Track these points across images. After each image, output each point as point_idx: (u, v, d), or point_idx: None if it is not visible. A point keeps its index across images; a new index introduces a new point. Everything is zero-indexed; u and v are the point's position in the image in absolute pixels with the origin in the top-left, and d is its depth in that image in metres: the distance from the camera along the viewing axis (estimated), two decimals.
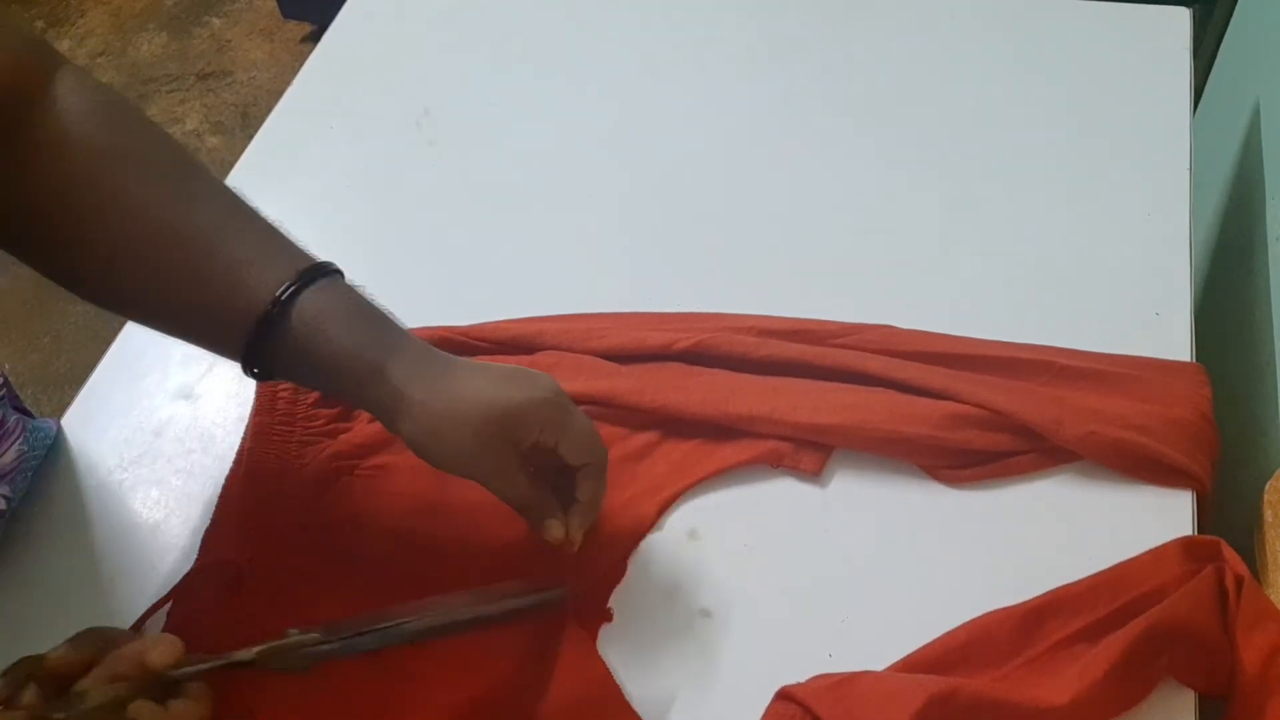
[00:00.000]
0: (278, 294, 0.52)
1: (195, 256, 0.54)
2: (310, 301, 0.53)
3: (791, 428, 0.64)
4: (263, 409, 0.68)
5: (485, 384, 0.54)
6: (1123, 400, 0.63)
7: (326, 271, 0.55)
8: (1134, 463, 0.61)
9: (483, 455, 0.54)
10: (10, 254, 0.55)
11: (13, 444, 0.65)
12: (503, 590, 0.58)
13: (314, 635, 0.53)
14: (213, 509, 0.64)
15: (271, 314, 0.52)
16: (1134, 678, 0.52)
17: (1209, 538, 0.56)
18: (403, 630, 0.55)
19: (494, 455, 0.54)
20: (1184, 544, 0.56)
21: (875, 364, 0.65)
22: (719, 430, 0.65)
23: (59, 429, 0.70)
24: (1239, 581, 0.54)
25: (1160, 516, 0.60)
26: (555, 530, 0.56)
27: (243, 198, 0.57)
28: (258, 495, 0.64)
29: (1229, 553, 0.55)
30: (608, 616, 0.59)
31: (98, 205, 0.53)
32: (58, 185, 0.52)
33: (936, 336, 0.68)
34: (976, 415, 0.63)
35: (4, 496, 0.64)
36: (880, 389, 0.65)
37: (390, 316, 0.56)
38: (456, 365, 0.55)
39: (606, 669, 0.56)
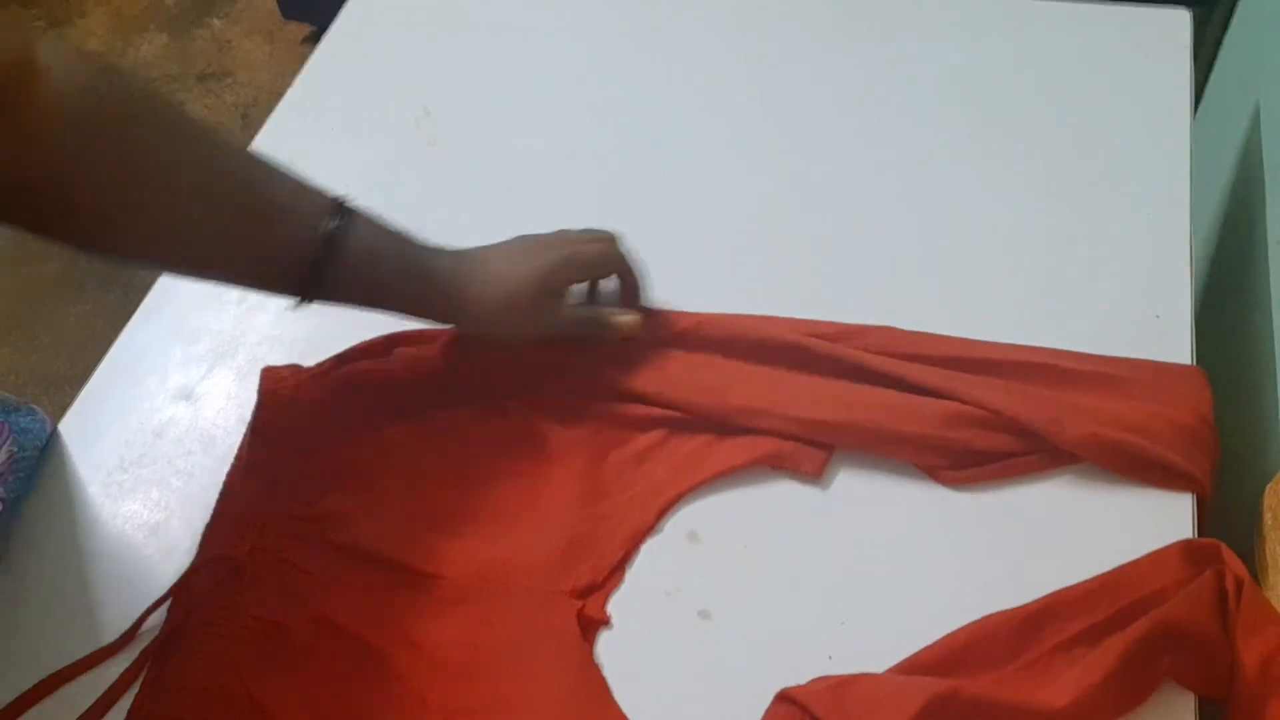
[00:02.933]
0: (329, 226, 0.58)
1: (238, 203, 0.58)
2: (357, 228, 0.60)
3: (790, 422, 0.63)
4: (265, 403, 0.68)
5: (518, 265, 0.64)
6: (1123, 402, 0.63)
7: (351, 207, 0.60)
8: (1134, 464, 0.61)
9: (539, 319, 0.65)
10: (31, 233, 0.54)
11: (3, 444, 0.65)
12: None
13: None
14: (213, 509, 0.64)
15: (330, 240, 0.58)
16: (1134, 680, 0.52)
17: (1209, 540, 0.56)
18: None
19: (548, 313, 0.65)
20: (1184, 547, 0.56)
21: (876, 362, 0.65)
22: (718, 429, 0.65)
23: (55, 429, 0.70)
24: (1239, 584, 0.54)
25: (1160, 519, 0.60)
26: (627, 321, 0.67)
27: (241, 145, 0.60)
28: (257, 490, 0.64)
29: (1229, 555, 0.55)
30: (605, 622, 0.59)
31: (127, 170, 0.54)
32: (73, 154, 0.52)
33: (938, 338, 0.68)
34: (977, 415, 0.63)
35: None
36: (880, 388, 0.65)
37: (409, 234, 0.63)
38: (485, 257, 0.64)
39: (602, 678, 0.56)
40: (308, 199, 0.60)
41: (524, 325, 0.65)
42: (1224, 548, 0.56)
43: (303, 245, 0.58)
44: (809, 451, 0.63)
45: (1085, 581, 0.55)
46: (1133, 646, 0.51)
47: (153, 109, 0.55)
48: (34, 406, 0.69)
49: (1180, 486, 0.61)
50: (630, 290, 0.69)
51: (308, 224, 0.58)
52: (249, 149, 0.60)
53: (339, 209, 0.60)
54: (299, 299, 0.60)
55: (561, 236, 0.67)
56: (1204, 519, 0.61)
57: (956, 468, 0.62)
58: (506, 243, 0.66)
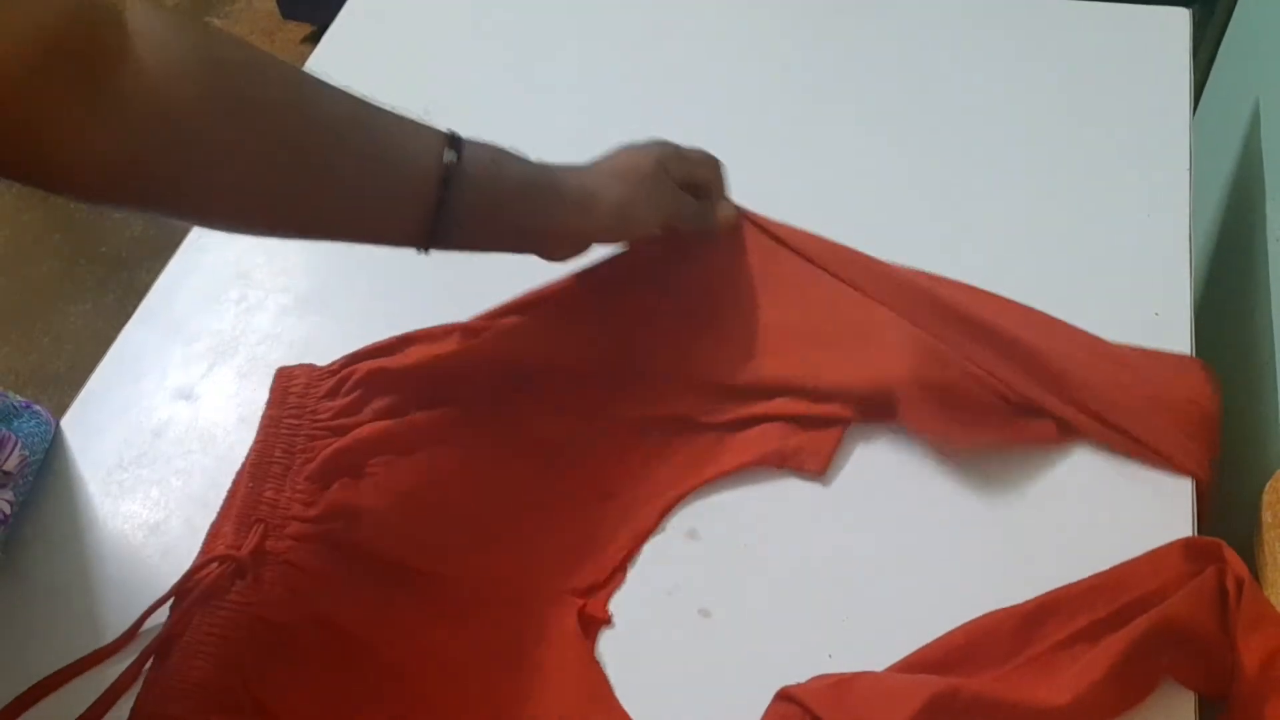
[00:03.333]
0: (447, 158, 0.57)
1: (354, 144, 0.56)
2: (473, 160, 0.58)
3: (819, 394, 0.65)
4: (275, 402, 0.68)
5: (634, 160, 0.65)
6: (1122, 383, 0.64)
7: (462, 138, 0.59)
8: (1129, 441, 0.61)
9: (662, 200, 0.66)
10: (141, 209, 0.52)
11: (14, 450, 0.65)
12: None
13: None
14: (213, 509, 0.64)
15: (449, 180, 0.57)
16: (1134, 678, 0.52)
17: (1210, 539, 0.56)
18: None
19: (670, 200, 0.66)
20: (1185, 545, 0.56)
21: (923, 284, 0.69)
22: (724, 429, 0.65)
23: (57, 427, 0.70)
24: (1239, 583, 0.54)
25: (1161, 508, 0.60)
26: (728, 209, 0.71)
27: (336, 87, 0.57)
28: (261, 489, 0.64)
29: (1230, 554, 0.55)
30: (607, 621, 0.59)
31: (235, 137, 0.51)
32: (177, 125, 0.49)
33: (955, 285, 0.70)
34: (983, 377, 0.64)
35: (8, 502, 0.64)
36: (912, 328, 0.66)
37: (515, 154, 0.62)
38: (598, 163, 0.66)
39: (604, 677, 0.56)
40: (417, 137, 0.58)
41: (647, 217, 0.65)
42: (1225, 546, 0.56)
43: (424, 185, 0.56)
44: (812, 450, 0.64)
45: (1086, 579, 0.55)
46: (1133, 644, 0.51)
47: (250, 66, 0.53)
48: (36, 406, 0.69)
49: (1179, 465, 0.61)
50: (716, 195, 0.71)
51: (424, 163, 0.56)
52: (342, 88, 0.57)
53: (451, 141, 0.58)
54: (425, 245, 0.58)
55: (654, 143, 0.68)
56: (1204, 508, 0.61)
57: (970, 423, 0.62)
58: (609, 155, 0.67)
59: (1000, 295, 0.69)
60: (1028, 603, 0.55)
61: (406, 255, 0.78)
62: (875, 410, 0.64)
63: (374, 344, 0.70)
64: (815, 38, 0.91)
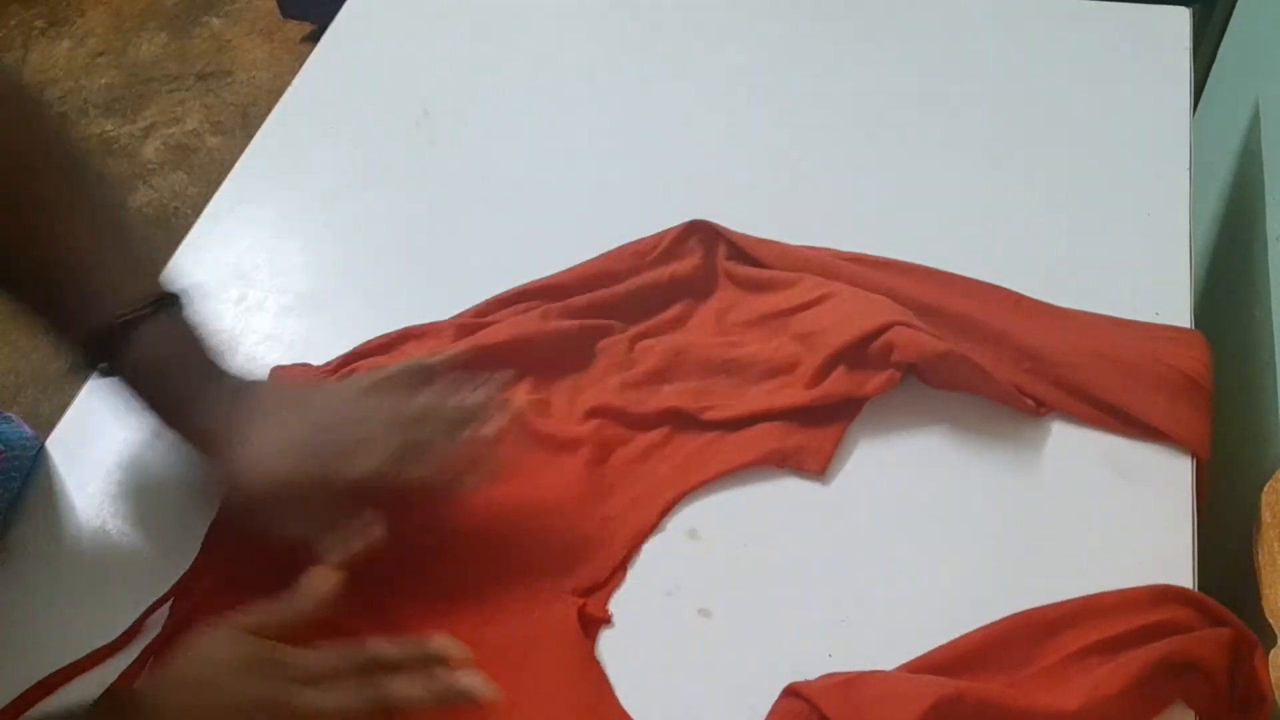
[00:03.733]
0: (128, 314, 0.57)
1: (53, 274, 0.58)
2: (153, 330, 0.57)
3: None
4: None
5: (284, 459, 0.56)
6: (1118, 345, 0.65)
7: (167, 304, 0.58)
8: (1135, 408, 0.62)
9: (301, 521, 0.57)
10: None
11: None
12: None
13: None
14: (212, 508, 0.64)
15: (104, 351, 0.57)
16: (1147, 698, 0.52)
17: (1252, 636, 0.55)
18: None
19: (309, 516, 0.57)
20: (1201, 597, 0.56)
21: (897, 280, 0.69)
22: (724, 427, 0.65)
23: (42, 447, 0.70)
24: (1251, 648, 0.54)
25: (1160, 499, 0.60)
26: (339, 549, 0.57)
27: (115, 206, 0.60)
28: None
29: (1260, 661, 0.55)
30: (607, 620, 0.59)
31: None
32: None
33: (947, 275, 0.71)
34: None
35: None
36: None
37: (209, 365, 0.59)
38: (269, 423, 0.57)
39: (604, 675, 0.56)
40: (133, 282, 0.58)
41: (281, 524, 0.57)
42: (1260, 651, 0.55)
43: (96, 320, 0.57)
44: (812, 449, 0.64)
45: (1105, 594, 0.55)
46: (1152, 665, 0.52)
47: (32, 140, 0.56)
48: (9, 415, 0.70)
49: (1175, 432, 0.61)
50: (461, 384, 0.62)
51: (114, 304, 0.57)
52: (125, 205, 0.60)
53: (158, 301, 0.58)
54: (98, 369, 0.59)
55: (345, 437, 0.57)
56: (1203, 492, 0.61)
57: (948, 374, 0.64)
58: (299, 411, 0.59)
59: (976, 279, 0.71)
60: (1044, 611, 0.55)
61: (405, 256, 0.79)
62: (872, 366, 0.65)
63: (370, 342, 0.70)
64: (816, 38, 0.91)
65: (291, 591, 0.54)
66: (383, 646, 0.53)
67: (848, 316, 0.65)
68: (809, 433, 0.64)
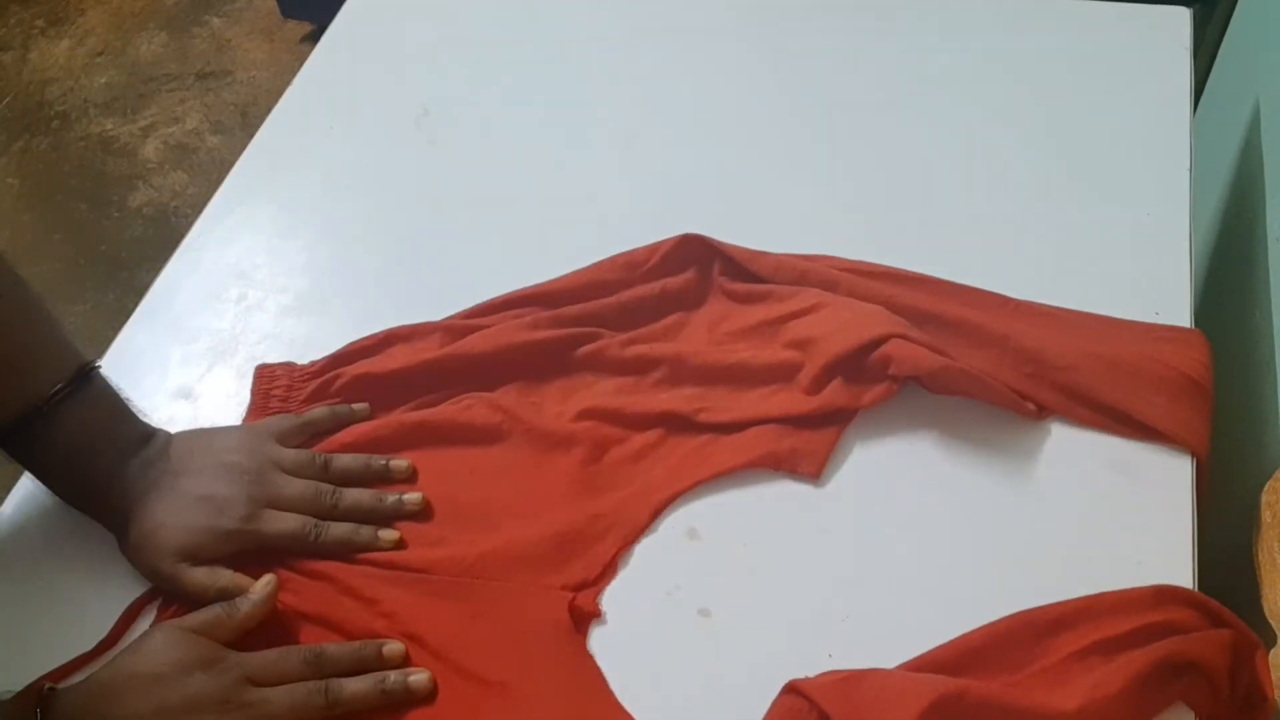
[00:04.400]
0: (52, 393, 0.59)
1: None
2: (74, 409, 0.60)
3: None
4: (258, 405, 0.68)
5: (168, 526, 0.60)
6: (1118, 346, 0.65)
7: (81, 378, 0.60)
8: (1134, 409, 0.62)
9: (168, 582, 0.59)
10: None
11: None
12: None
13: None
14: None
15: (26, 423, 0.59)
16: (1147, 698, 0.52)
17: (1254, 637, 0.55)
18: None
19: (171, 580, 0.59)
20: (1204, 599, 0.56)
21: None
22: (720, 429, 0.65)
23: None
24: (1252, 649, 0.54)
25: (1160, 498, 0.60)
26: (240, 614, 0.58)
27: (20, 287, 0.61)
28: None
29: (1261, 661, 0.55)
30: (597, 615, 0.59)
31: None
32: None
33: (937, 282, 0.70)
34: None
35: None
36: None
37: (118, 434, 0.62)
38: (151, 506, 0.60)
39: (597, 668, 0.57)
40: (47, 360, 0.60)
41: (159, 581, 0.60)
42: (1262, 650, 0.55)
43: (17, 404, 0.59)
44: (807, 452, 0.64)
45: (1105, 594, 0.55)
46: (1153, 665, 0.52)
47: None
48: None
49: (1179, 444, 0.61)
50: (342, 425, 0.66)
51: (28, 392, 0.59)
52: (18, 286, 0.61)
53: (76, 377, 0.60)
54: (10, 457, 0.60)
55: (228, 491, 0.61)
56: (1202, 492, 0.61)
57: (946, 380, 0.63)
58: (193, 477, 0.61)
59: (973, 287, 0.70)
60: (1045, 610, 0.55)
61: (404, 256, 0.79)
62: (869, 378, 0.65)
63: (355, 343, 0.70)
64: (815, 39, 0.91)
65: (238, 598, 0.57)
66: (330, 647, 0.56)
67: (843, 325, 0.65)
68: (804, 436, 0.64)
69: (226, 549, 0.59)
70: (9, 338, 0.60)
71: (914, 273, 0.71)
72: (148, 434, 0.63)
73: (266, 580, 0.58)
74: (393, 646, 0.56)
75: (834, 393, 0.64)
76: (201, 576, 0.58)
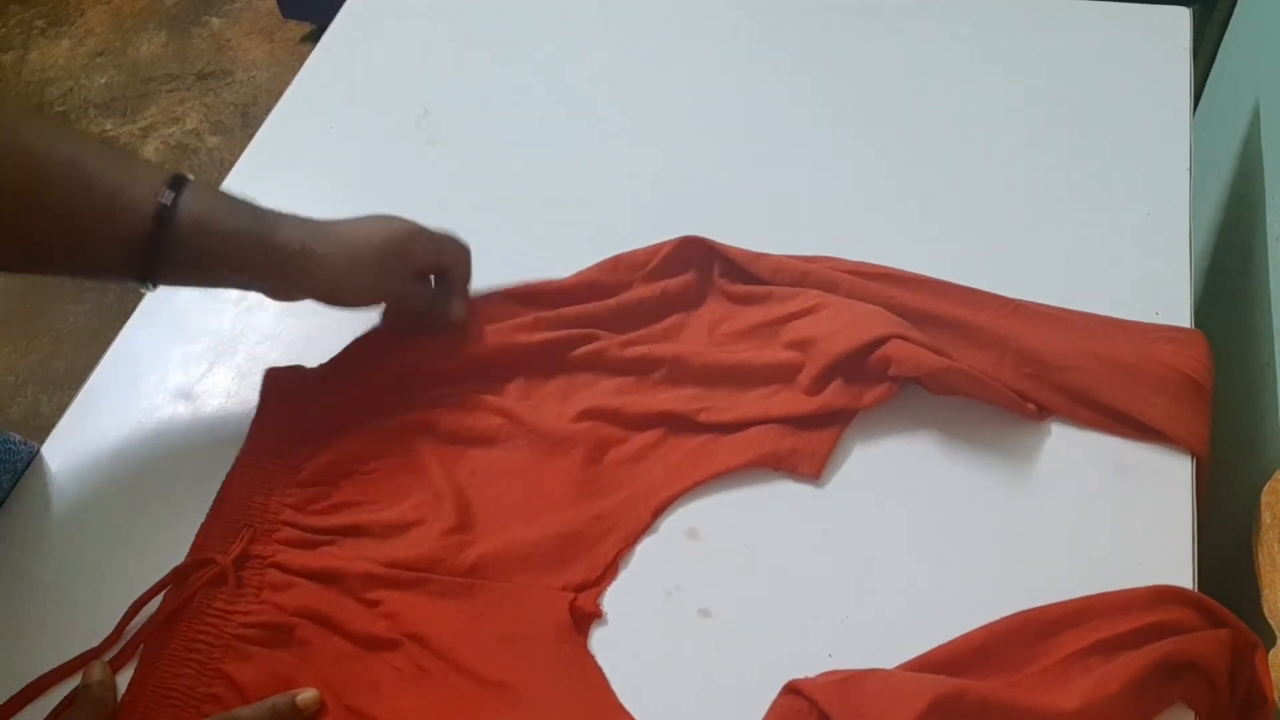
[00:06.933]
0: (161, 201, 0.58)
1: (65, 187, 0.57)
2: (189, 201, 0.59)
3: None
4: (267, 405, 0.68)
5: (369, 228, 0.65)
6: (1118, 346, 0.65)
7: (184, 179, 0.60)
8: (1134, 409, 0.62)
9: (383, 285, 0.66)
10: None
11: None
12: None
13: None
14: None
15: (162, 218, 0.58)
16: (1147, 699, 0.52)
17: (1254, 637, 0.55)
18: None
19: (392, 279, 0.66)
20: (1201, 598, 0.56)
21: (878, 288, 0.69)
22: (720, 430, 0.65)
23: (37, 453, 0.70)
24: (1252, 649, 0.54)
25: (1159, 498, 0.60)
26: (459, 309, 0.69)
27: (78, 132, 0.61)
28: (251, 493, 0.64)
29: (1261, 661, 0.55)
30: (598, 616, 0.59)
31: None
32: None
33: (939, 284, 0.70)
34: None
35: None
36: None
37: (249, 204, 0.63)
38: (330, 224, 0.64)
39: (599, 668, 0.57)
40: (139, 176, 0.59)
41: (368, 289, 0.65)
42: (1262, 650, 0.55)
43: (138, 223, 0.58)
44: (807, 452, 0.64)
45: (1105, 594, 0.55)
46: (1153, 665, 0.52)
47: None
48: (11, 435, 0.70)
49: (1179, 444, 0.61)
50: (458, 286, 0.70)
51: (141, 202, 0.58)
52: (74, 129, 0.60)
53: (174, 182, 0.59)
54: (143, 280, 0.60)
55: (400, 219, 0.67)
56: (1202, 492, 0.61)
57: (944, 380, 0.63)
58: (354, 217, 0.66)
59: (973, 288, 0.70)
60: (1045, 611, 0.55)
61: None
62: (869, 379, 0.65)
63: (359, 343, 0.70)
64: (815, 39, 0.91)
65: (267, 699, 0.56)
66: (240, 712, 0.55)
67: (844, 326, 0.65)
68: (804, 436, 0.64)
69: (417, 249, 0.66)
70: (96, 171, 0.58)
71: (914, 274, 0.70)
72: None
73: (300, 692, 0.56)
74: (306, 695, 0.56)
75: (834, 393, 0.64)
76: (421, 287, 0.68)
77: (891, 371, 0.63)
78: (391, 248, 0.64)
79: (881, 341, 0.64)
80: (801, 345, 0.66)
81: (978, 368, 0.64)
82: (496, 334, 0.69)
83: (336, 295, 0.65)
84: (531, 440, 0.65)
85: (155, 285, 0.61)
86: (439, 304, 0.69)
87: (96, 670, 0.57)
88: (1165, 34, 0.87)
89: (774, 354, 0.67)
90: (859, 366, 0.64)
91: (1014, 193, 0.78)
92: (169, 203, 0.58)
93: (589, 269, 0.73)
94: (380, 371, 0.68)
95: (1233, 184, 0.90)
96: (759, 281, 0.71)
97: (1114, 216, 0.75)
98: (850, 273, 0.70)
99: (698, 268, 0.72)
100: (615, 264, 0.73)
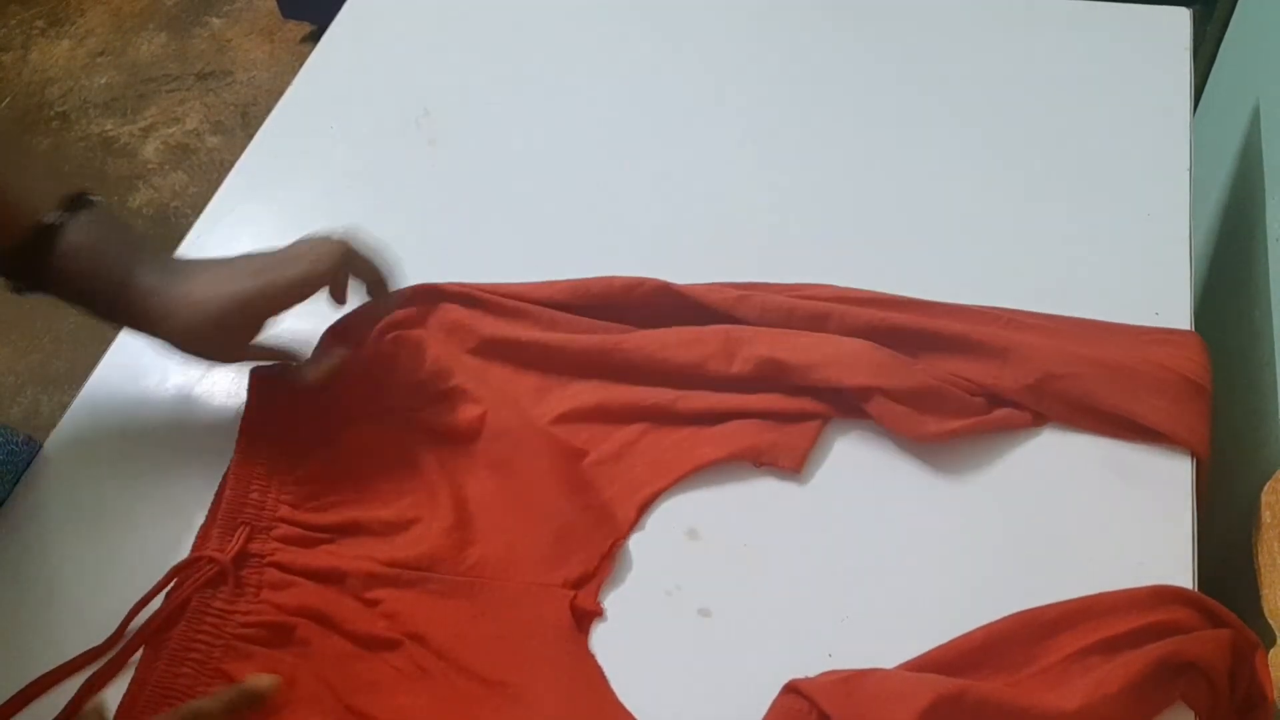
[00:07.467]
0: (44, 221, 0.59)
1: None
2: (73, 229, 0.60)
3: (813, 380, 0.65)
4: (256, 405, 0.68)
5: (219, 287, 0.61)
6: (1116, 351, 0.65)
7: (85, 201, 0.61)
8: (1120, 422, 0.62)
9: (230, 341, 0.63)
10: None
11: None
12: None
13: None
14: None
15: (43, 233, 0.59)
16: (1147, 698, 0.52)
17: (1254, 637, 0.56)
18: None
19: (234, 344, 0.63)
20: (1201, 597, 0.56)
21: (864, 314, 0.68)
22: (700, 421, 0.65)
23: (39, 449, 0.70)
24: (1252, 649, 0.54)
25: (1159, 497, 0.60)
26: (314, 371, 0.65)
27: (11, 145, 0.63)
28: (247, 491, 0.64)
29: (1261, 661, 0.55)
30: (599, 613, 0.59)
31: None
32: None
33: (922, 303, 0.69)
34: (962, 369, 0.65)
35: None
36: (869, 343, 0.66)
37: (137, 239, 0.63)
38: (192, 276, 0.62)
39: (598, 666, 0.57)
40: (40, 191, 0.61)
41: (216, 347, 0.63)
42: (1262, 651, 0.55)
43: (17, 234, 0.59)
44: (787, 447, 0.64)
45: (1105, 594, 0.55)
46: (1153, 665, 0.52)
47: None
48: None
49: (1180, 445, 0.61)
50: (375, 288, 0.66)
51: (28, 214, 0.60)
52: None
53: (71, 203, 0.60)
54: (14, 287, 0.61)
55: (274, 259, 0.63)
56: (1202, 493, 0.61)
57: (945, 415, 0.63)
58: (227, 261, 0.63)
59: (966, 305, 0.69)
60: (1045, 610, 0.55)
61: (403, 256, 0.78)
62: (848, 408, 0.65)
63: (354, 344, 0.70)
64: (814, 38, 0.91)
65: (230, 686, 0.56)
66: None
67: (826, 360, 0.65)
68: (785, 430, 0.64)
69: (270, 306, 0.62)
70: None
71: (906, 298, 0.70)
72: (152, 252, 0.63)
73: (263, 677, 0.56)
74: (263, 680, 0.55)
75: (813, 398, 0.65)
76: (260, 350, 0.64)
77: (877, 422, 0.64)
78: (233, 305, 0.61)
79: (864, 391, 0.63)
80: (780, 367, 0.65)
81: (961, 396, 0.64)
82: (459, 335, 0.70)
83: (190, 348, 0.63)
84: (513, 439, 0.65)
85: (23, 293, 0.62)
86: (297, 364, 0.66)
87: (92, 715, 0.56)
88: (1165, 34, 0.87)
89: (750, 370, 0.66)
90: (838, 396, 0.65)
91: (1013, 192, 0.78)
92: (53, 223, 0.60)
93: (558, 285, 0.72)
94: (368, 370, 0.68)
95: (1233, 184, 0.90)
96: (746, 324, 0.69)
97: (1114, 217, 0.75)
98: (840, 300, 0.69)
99: (672, 319, 0.70)
100: (586, 290, 0.71)
